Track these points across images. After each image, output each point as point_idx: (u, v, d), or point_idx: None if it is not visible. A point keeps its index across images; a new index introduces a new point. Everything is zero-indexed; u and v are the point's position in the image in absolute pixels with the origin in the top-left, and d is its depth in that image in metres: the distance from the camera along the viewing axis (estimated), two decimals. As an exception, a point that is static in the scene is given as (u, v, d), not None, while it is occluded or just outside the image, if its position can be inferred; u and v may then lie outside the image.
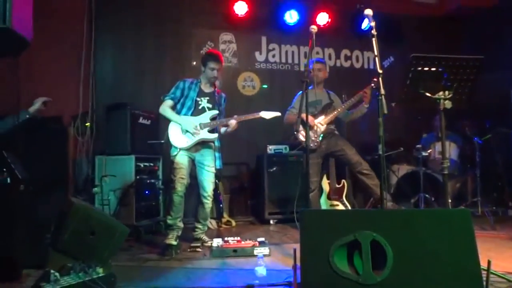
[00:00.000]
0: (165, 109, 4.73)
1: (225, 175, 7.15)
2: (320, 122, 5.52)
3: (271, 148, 6.95)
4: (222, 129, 4.94)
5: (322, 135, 5.51)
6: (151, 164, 6.04)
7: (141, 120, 6.01)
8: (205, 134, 4.69)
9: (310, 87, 5.60)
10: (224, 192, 6.88)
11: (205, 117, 4.76)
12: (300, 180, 4.97)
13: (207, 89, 4.85)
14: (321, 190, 6.00)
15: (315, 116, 5.60)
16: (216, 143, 4.90)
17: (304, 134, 5.27)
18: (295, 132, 5.37)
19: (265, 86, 7.64)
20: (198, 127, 4.63)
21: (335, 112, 5.59)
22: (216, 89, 4.89)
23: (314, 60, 5.81)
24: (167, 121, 4.85)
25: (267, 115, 4.85)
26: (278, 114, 4.91)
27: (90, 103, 6.50)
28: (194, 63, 7.38)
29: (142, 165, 5.80)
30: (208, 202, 4.92)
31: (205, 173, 4.83)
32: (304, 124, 4.76)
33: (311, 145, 5.46)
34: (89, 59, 6.56)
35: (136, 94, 6.95)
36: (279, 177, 6.77)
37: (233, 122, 4.67)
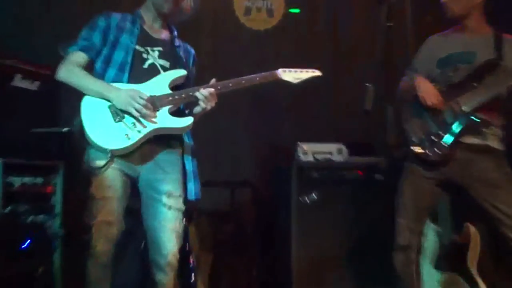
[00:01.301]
0: (72, 69, 3.36)
1: (205, 210, 5.12)
2: (460, 104, 3.80)
3: (306, 151, 4.92)
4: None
5: (456, 133, 3.80)
6: (38, 180, 4.45)
7: (18, 82, 4.33)
8: (164, 120, 3.36)
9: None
10: (200, 249, 4.96)
11: (161, 84, 3.42)
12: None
13: (156, 31, 3.55)
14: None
15: (451, 89, 3.84)
16: (187, 140, 3.55)
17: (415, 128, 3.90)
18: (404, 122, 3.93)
19: (295, 10, 5.90)
20: (149, 105, 3.28)
21: (500, 87, 3.79)
22: (175, 32, 3.62)
23: None
24: (77, 93, 3.35)
25: (291, 76, 3.53)
26: (316, 73, 3.51)
27: None
28: None
29: (19, 181, 4.30)
30: (167, 277, 3.43)
31: (161, 211, 3.39)
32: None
33: (428, 152, 3.81)
34: None
35: (9, 28, 5.25)
36: (322, 215, 4.86)
37: (208, 91, 3.33)
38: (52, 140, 4.47)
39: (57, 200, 4.62)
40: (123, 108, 3.27)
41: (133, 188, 3.47)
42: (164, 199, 3.43)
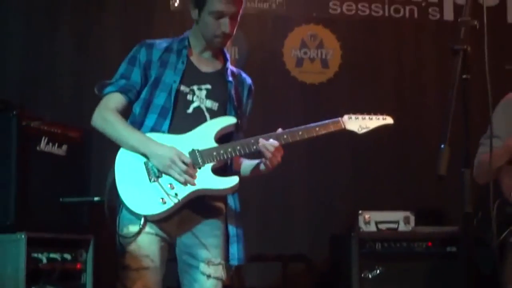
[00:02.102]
0: (107, 115, 3.14)
1: (249, 279, 5.15)
2: None
3: (368, 219, 4.71)
4: (245, 165, 3.32)
5: None
6: (66, 256, 4.04)
7: (45, 147, 4.00)
8: (206, 180, 3.11)
9: None
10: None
11: (205, 135, 3.18)
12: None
13: (205, 64, 3.27)
14: None
15: None
16: (231, 202, 3.25)
17: None
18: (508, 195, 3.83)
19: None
20: (190, 170, 3.04)
21: None
22: (228, 62, 3.31)
23: None
24: (113, 146, 3.13)
25: (358, 124, 3.32)
26: (387, 120, 3.31)
27: None
28: (177, 2, 5.51)
29: (44, 258, 3.90)
30: None
31: (199, 280, 3.17)
32: None
33: None
34: None
35: (36, 85, 4.99)
36: (388, 296, 5.26)
37: (273, 144, 3.06)
38: (82, 211, 4.32)
39: (88, 278, 4.44)
40: (162, 169, 3.07)
41: (170, 258, 3.31)
42: (203, 266, 3.24)
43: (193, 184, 3.09)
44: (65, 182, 4.25)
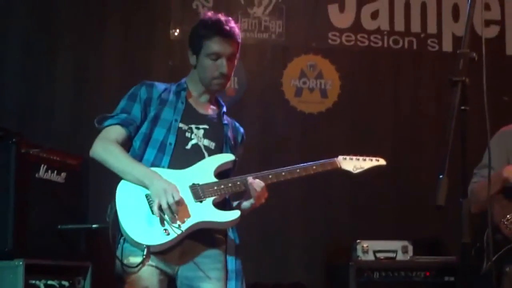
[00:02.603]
0: (109, 145, 3.13)
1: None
2: None
3: (366, 248, 4.74)
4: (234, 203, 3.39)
5: None
6: (65, 283, 4.13)
7: (44, 174, 4.04)
8: (207, 213, 3.10)
9: None
10: None
11: (205, 170, 3.18)
12: None
13: (203, 107, 3.30)
14: None
15: None
16: (232, 236, 3.27)
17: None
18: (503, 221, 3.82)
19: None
20: (191, 195, 3.09)
21: None
22: (223, 108, 3.37)
23: None
24: (111, 174, 3.09)
25: (352, 164, 3.32)
26: (380, 162, 3.31)
27: None
28: (177, 32, 5.56)
29: (42, 286, 3.94)
30: None
31: None
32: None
33: None
34: None
35: (35, 113, 5.05)
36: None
37: (257, 184, 3.09)
38: (80, 238, 4.33)
39: None
40: (162, 200, 3.01)
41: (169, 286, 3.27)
42: None
43: (193, 218, 3.08)
44: (63, 209, 4.23)
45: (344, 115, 5.55)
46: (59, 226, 4.18)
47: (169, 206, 3.00)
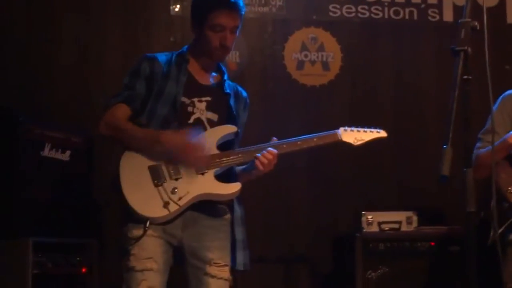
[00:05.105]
0: (115, 121, 3.15)
1: (251, 282, 4.79)
2: None
3: (371, 220, 4.65)
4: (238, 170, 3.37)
5: None
6: (73, 260, 4.19)
7: (48, 152, 4.12)
8: (209, 185, 3.14)
9: None
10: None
11: (208, 143, 3.17)
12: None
13: (204, 77, 3.30)
14: None
15: None
16: (237, 208, 3.24)
17: None
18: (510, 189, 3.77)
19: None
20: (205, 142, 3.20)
21: None
22: (225, 75, 3.35)
23: None
24: (115, 151, 3.19)
25: (353, 136, 3.31)
26: (381, 133, 3.31)
27: None
28: (177, 7, 5.38)
29: (50, 262, 4.01)
30: None
31: (204, 281, 3.16)
32: None
33: None
34: None
35: (37, 90, 4.89)
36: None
37: (271, 153, 3.10)
38: (86, 215, 4.41)
39: (93, 281, 4.48)
40: (166, 171, 3.11)
41: (174, 260, 3.27)
42: (208, 268, 3.22)
43: (197, 188, 3.11)
44: (69, 187, 4.36)
45: (346, 87, 5.40)
46: (65, 204, 4.26)
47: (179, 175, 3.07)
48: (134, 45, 5.23)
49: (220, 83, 3.37)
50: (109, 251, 4.53)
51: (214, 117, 3.28)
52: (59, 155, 4.29)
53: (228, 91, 3.37)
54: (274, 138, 3.23)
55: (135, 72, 3.26)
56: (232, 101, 3.39)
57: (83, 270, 4.36)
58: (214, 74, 3.40)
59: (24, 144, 3.67)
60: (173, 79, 3.27)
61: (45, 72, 5.07)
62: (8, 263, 4.00)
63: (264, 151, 3.18)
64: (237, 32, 3.31)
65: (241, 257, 3.34)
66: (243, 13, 3.31)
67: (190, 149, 3.10)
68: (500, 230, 4.09)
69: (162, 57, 3.33)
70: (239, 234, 3.38)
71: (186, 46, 3.37)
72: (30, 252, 3.93)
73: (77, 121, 4.78)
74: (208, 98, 3.30)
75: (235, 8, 3.23)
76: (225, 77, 3.40)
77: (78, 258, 4.30)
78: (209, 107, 3.30)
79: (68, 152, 4.34)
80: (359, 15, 5.51)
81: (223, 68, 3.42)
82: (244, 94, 3.50)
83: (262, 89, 5.03)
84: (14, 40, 5.18)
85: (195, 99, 3.28)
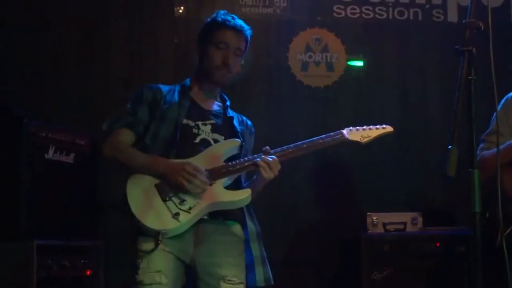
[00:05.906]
0: (118, 144, 3.15)
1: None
2: None
3: (375, 221, 4.65)
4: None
5: None
6: (77, 262, 4.16)
7: (53, 155, 4.08)
8: (218, 194, 3.08)
9: None
10: None
11: (214, 156, 3.18)
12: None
13: (207, 102, 3.30)
14: None
15: None
16: (250, 223, 3.19)
17: None
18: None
19: (356, 64, 5.48)
20: (201, 169, 3.10)
21: None
22: (228, 102, 3.33)
23: None
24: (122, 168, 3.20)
25: (359, 135, 3.29)
26: (387, 129, 3.28)
27: None
28: (181, 9, 5.39)
29: (55, 265, 3.97)
30: None
31: None
32: None
33: None
34: None
35: (42, 92, 4.89)
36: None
37: (273, 161, 3.07)
38: (91, 217, 4.39)
39: (98, 284, 4.44)
40: (173, 180, 3.05)
41: (185, 277, 3.25)
42: (222, 284, 3.16)
43: (207, 199, 3.09)
44: (73, 190, 4.29)
45: (351, 88, 5.37)
46: (69, 206, 4.23)
47: (194, 181, 3.01)
48: (138, 47, 5.21)
49: (223, 109, 3.38)
50: (114, 253, 4.38)
51: (220, 138, 3.27)
52: (63, 158, 4.25)
53: (231, 115, 3.37)
54: (267, 147, 3.19)
55: (138, 98, 3.28)
56: (236, 123, 3.38)
57: (88, 272, 4.31)
58: (217, 102, 3.40)
59: (28, 147, 3.62)
60: (175, 104, 3.27)
61: (49, 75, 4.98)
62: (13, 266, 3.96)
63: (262, 156, 3.14)
64: (241, 57, 3.32)
65: (260, 274, 3.31)
66: (248, 38, 3.31)
67: (186, 176, 3.06)
68: (506, 232, 4.05)
69: (164, 87, 3.34)
70: (256, 250, 3.35)
71: (187, 79, 3.38)
72: (35, 254, 3.89)
73: (82, 123, 4.63)
74: (213, 121, 3.30)
75: (240, 29, 3.24)
76: (227, 103, 3.40)
77: (83, 261, 4.27)
78: (214, 129, 3.28)
79: (72, 155, 4.32)
80: (364, 16, 5.48)
81: (225, 97, 3.42)
82: (249, 122, 3.49)
83: (266, 91, 5.08)
84: (19, 42, 4.99)
85: (199, 122, 3.29)
